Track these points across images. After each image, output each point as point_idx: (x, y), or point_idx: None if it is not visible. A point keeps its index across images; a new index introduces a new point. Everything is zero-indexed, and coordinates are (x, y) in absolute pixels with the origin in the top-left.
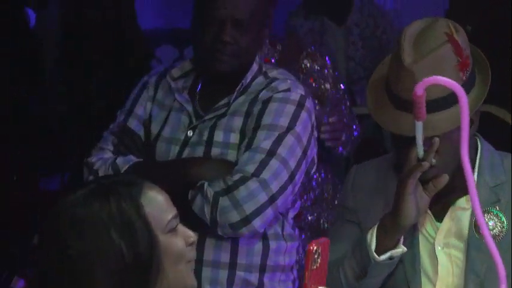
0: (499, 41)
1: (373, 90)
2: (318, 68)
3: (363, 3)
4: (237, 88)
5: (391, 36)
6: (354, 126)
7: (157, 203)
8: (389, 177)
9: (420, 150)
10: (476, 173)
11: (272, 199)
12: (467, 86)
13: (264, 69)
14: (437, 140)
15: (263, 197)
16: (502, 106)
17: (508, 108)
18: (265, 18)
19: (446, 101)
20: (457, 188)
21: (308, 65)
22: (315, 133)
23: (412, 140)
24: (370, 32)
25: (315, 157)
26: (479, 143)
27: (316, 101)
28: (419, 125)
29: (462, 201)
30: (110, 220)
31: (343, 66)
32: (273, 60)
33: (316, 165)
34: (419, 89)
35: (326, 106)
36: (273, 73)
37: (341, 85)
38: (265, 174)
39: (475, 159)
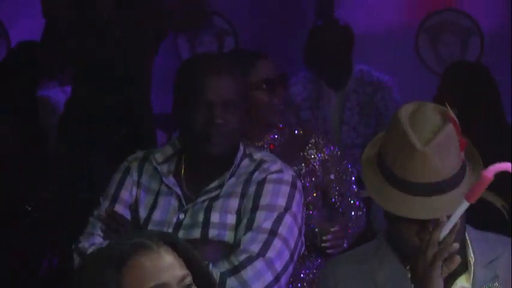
0: (485, 128)
1: (368, 172)
2: (325, 157)
3: (363, 72)
4: (231, 170)
5: (390, 104)
6: (360, 213)
7: (138, 272)
8: (375, 266)
9: (446, 231)
10: (471, 252)
11: (277, 278)
12: (465, 165)
13: (247, 151)
14: (457, 221)
15: (269, 277)
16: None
17: (497, 192)
18: (246, 100)
19: (457, 180)
20: (457, 266)
21: (313, 155)
22: (304, 210)
23: (421, 222)
24: (367, 99)
25: (303, 239)
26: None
27: (319, 193)
28: (464, 206)
29: (462, 280)
30: (90, 283)
31: (337, 131)
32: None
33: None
34: (490, 174)
35: (330, 198)
36: (258, 155)
37: (350, 175)
38: (270, 254)
39: (466, 239)
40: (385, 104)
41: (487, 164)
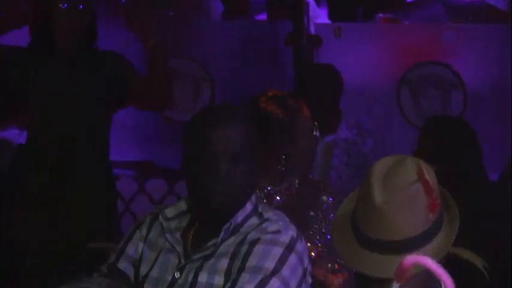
0: (466, 183)
1: (338, 227)
2: (335, 202)
3: (354, 123)
4: (224, 227)
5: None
6: None
7: None
8: None
9: None
10: None
11: None
12: (436, 227)
13: (259, 209)
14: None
15: None
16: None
17: (478, 252)
18: (256, 153)
19: (420, 240)
20: None
21: (325, 200)
22: (308, 279)
23: (379, 279)
24: (356, 150)
25: None
26: None
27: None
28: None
29: None
30: None
31: (322, 176)
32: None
33: None
34: (408, 264)
35: None
36: (268, 214)
37: None
38: None
39: None
40: (374, 157)
41: (466, 221)
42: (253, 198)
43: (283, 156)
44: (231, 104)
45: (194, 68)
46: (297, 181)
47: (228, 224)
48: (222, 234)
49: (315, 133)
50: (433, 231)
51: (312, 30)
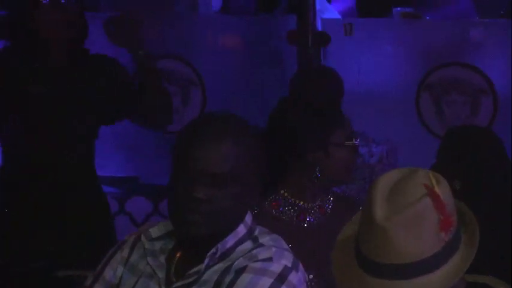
0: (493, 199)
1: (340, 250)
2: None
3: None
4: (209, 253)
5: (388, 167)
6: None
7: None
8: None
9: None
10: None
11: None
12: (450, 249)
13: (256, 233)
14: None
15: None
16: (500, 277)
17: (508, 279)
18: (255, 172)
19: (429, 264)
20: None
21: None
22: None
23: None
24: (361, 162)
25: None
26: None
27: None
28: None
29: None
30: None
31: None
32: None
33: None
34: None
35: None
36: (264, 239)
37: None
38: None
39: None
40: (383, 168)
41: (492, 244)
42: (247, 219)
43: (317, 168)
44: (224, 113)
45: (182, 70)
46: (331, 199)
47: (214, 250)
48: (206, 261)
49: (353, 142)
50: (447, 252)
51: (319, 26)
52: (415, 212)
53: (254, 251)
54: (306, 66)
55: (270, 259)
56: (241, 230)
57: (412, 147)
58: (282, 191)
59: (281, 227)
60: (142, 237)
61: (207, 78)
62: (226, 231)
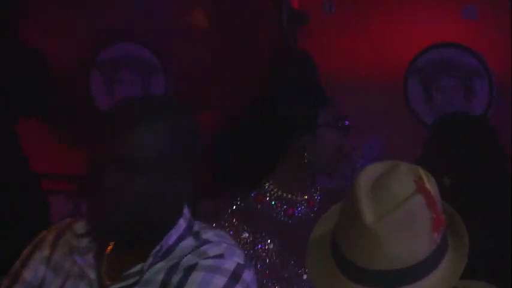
0: (488, 199)
1: (314, 253)
2: None
3: None
4: (153, 251)
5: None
6: None
7: None
8: None
9: None
10: None
11: None
12: (441, 251)
13: (196, 228)
14: None
15: None
16: (498, 278)
17: (508, 280)
18: (185, 161)
19: (422, 269)
20: None
21: None
22: None
23: None
24: None
25: None
26: None
27: None
28: None
29: None
30: None
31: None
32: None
33: None
34: None
35: None
36: (208, 234)
37: None
38: None
39: None
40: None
41: (485, 244)
42: (186, 212)
43: (306, 154)
44: (150, 96)
45: (145, 54)
46: (318, 192)
47: (158, 247)
48: (150, 260)
49: (343, 122)
50: (438, 256)
51: (295, 3)
52: (406, 210)
53: (203, 248)
54: (280, 48)
55: (221, 256)
56: (182, 224)
57: (398, 138)
58: (267, 184)
59: (268, 221)
60: (68, 234)
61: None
62: (152, 224)
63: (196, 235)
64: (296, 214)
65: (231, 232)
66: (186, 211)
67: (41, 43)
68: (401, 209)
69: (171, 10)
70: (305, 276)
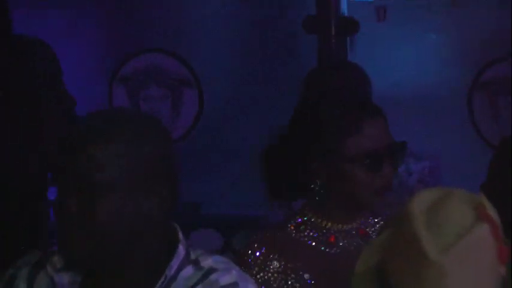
0: None
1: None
2: None
3: None
4: (158, 283)
5: None
6: None
7: None
8: None
9: None
10: None
11: None
12: (507, 285)
13: (193, 255)
14: None
15: None
16: None
17: None
18: (155, 181)
19: None
20: None
21: None
22: None
23: None
24: (397, 183)
25: None
26: None
27: None
28: None
29: None
30: None
31: None
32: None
33: None
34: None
35: None
36: (208, 262)
37: None
38: None
39: None
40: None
41: None
42: (182, 238)
43: (317, 181)
44: (116, 111)
45: (174, 67)
46: (376, 220)
47: (162, 279)
48: None
49: (368, 162)
50: None
51: (345, 10)
52: (473, 239)
53: (211, 277)
54: (327, 61)
55: (235, 284)
56: (181, 251)
57: (462, 162)
58: (302, 210)
59: (303, 250)
60: (48, 268)
61: (204, 76)
62: (134, 251)
63: (195, 263)
64: (340, 243)
65: (258, 261)
66: (181, 236)
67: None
68: (466, 240)
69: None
70: None
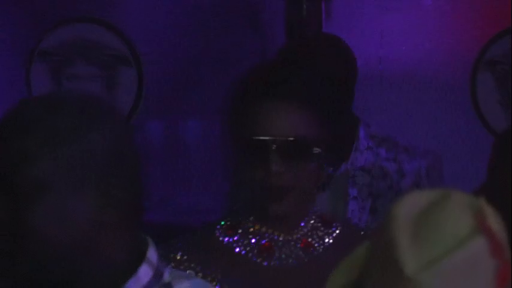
0: None
1: None
2: None
3: (382, 137)
4: None
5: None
6: None
7: None
8: None
9: None
10: None
11: None
12: None
13: (166, 277)
14: None
15: None
16: None
17: None
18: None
19: None
20: None
21: None
22: None
23: None
24: (387, 186)
25: None
26: None
27: None
28: None
29: None
30: None
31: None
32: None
33: None
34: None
35: None
36: (183, 285)
37: None
38: None
39: None
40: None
41: None
42: (151, 256)
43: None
44: (61, 93)
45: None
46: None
47: None
48: None
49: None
50: None
51: None
52: (463, 257)
53: None
54: (298, 33)
55: None
56: (146, 273)
57: (464, 156)
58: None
59: (239, 265)
60: None
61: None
62: (78, 271)
63: (167, 287)
64: (283, 257)
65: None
66: (151, 253)
67: None
68: (456, 256)
69: None
70: None
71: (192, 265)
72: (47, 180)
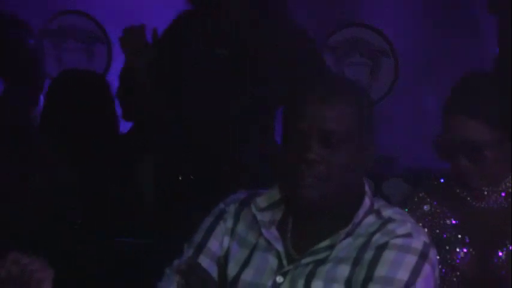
0: None
1: None
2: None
3: None
4: (346, 229)
5: None
6: None
7: None
8: None
9: None
10: None
11: None
12: None
13: (376, 206)
14: None
15: None
16: None
17: None
18: (369, 134)
19: None
20: None
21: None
22: None
23: None
24: None
25: None
26: None
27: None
28: None
29: None
30: None
31: None
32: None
33: None
34: None
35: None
36: (388, 212)
37: None
38: None
39: None
40: None
41: None
42: (368, 190)
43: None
44: (337, 75)
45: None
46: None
47: (350, 225)
48: (342, 236)
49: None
50: None
51: None
52: None
53: (389, 226)
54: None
55: (409, 235)
56: (367, 202)
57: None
58: None
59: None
60: (253, 208)
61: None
62: (340, 197)
63: (377, 212)
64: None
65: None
66: (367, 188)
67: None
68: None
69: None
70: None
71: (429, 200)
72: (348, 134)
